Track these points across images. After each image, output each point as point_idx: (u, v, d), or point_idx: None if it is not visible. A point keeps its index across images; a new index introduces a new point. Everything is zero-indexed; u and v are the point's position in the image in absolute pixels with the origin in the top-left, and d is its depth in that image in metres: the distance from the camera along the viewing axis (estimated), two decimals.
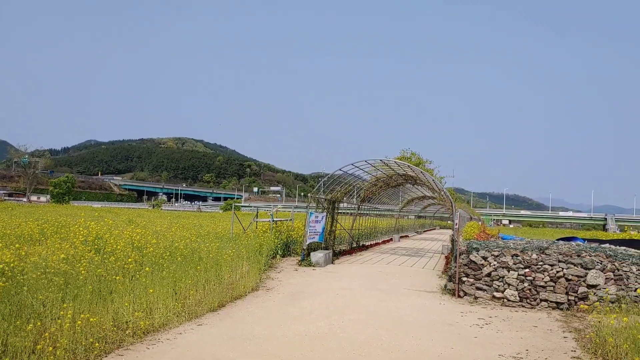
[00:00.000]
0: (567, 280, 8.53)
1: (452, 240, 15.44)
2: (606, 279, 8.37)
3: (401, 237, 28.95)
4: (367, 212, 23.35)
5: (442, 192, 16.06)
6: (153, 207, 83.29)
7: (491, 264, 9.12)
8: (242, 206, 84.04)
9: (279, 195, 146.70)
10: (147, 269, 7.21)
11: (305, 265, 13.17)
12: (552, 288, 8.58)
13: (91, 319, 5.23)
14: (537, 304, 8.63)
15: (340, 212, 17.39)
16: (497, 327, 7.15)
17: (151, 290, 6.53)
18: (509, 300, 8.81)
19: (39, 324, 4.96)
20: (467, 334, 6.74)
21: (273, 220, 15.63)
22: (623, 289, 8.19)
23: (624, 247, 11.34)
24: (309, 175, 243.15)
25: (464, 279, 9.37)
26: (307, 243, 13.92)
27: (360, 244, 20.21)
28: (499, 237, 17.11)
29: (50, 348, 4.62)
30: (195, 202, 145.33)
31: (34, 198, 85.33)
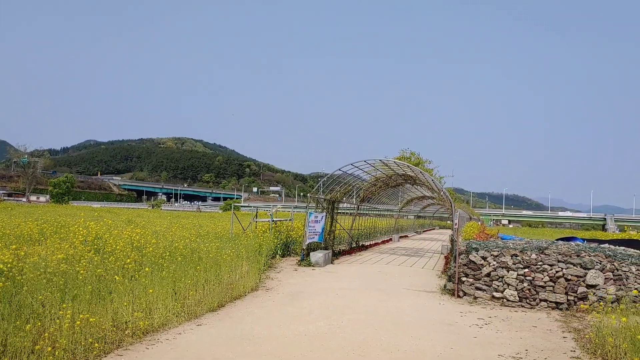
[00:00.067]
0: (567, 280, 8.53)
1: (452, 240, 15.45)
2: (605, 279, 8.37)
3: (400, 237, 28.96)
4: (367, 212, 23.35)
5: (442, 192, 16.06)
6: (152, 207, 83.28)
7: (490, 264, 9.12)
8: (241, 206, 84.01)
9: (278, 195, 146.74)
10: (146, 269, 7.20)
11: (304, 265, 13.17)
12: (551, 288, 8.59)
13: (90, 319, 5.22)
14: (537, 304, 8.63)
15: (340, 212, 17.39)
16: (496, 327, 7.15)
17: (151, 291, 6.53)
18: (508, 300, 8.82)
19: (38, 324, 4.95)
20: (466, 334, 6.74)
21: (272, 220, 15.62)
22: (622, 289, 8.20)
23: (623, 247, 11.35)
24: (308, 175, 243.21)
25: (464, 279, 9.37)
26: (307, 243, 13.92)
27: (360, 244, 20.21)
28: (498, 237, 17.10)
29: (50, 348, 4.61)
30: (195, 202, 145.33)
31: (33, 198, 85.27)
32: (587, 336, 6.47)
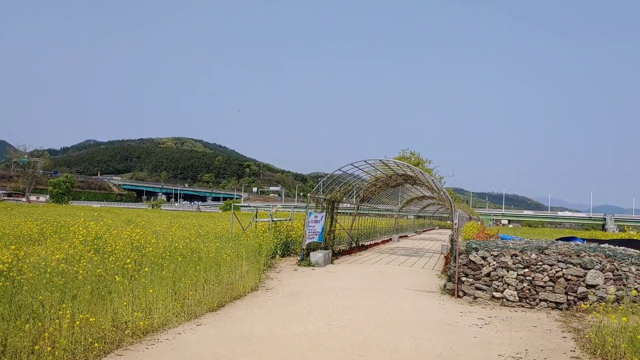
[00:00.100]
0: (567, 280, 8.53)
1: (452, 240, 15.45)
2: (605, 278, 8.37)
3: (400, 237, 28.97)
4: (367, 212, 23.35)
5: (442, 192, 16.06)
6: (152, 207, 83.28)
7: (490, 264, 9.12)
8: (241, 206, 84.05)
9: (278, 195, 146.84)
10: (146, 269, 7.19)
11: (304, 265, 13.17)
12: (551, 288, 8.59)
13: (90, 319, 5.22)
14: (537, 304, 8.63)
15: (340, 212, 17.40)
16: (496, 327, 7.15)
17: (150, 290, 6.53)
18: (508, 300, 8.82)
19: (38, 324, 4.95)
20: (466, 334, 6.74)
21: (272, 220, 15.62)
22: (622, 289, 8.20)
23: (623, 247, 11.34)
24: (308, 175, 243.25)
25: (463, 279, 9.37)
26: (307, 243, 13.92)
27: (360, 244, 20.21)
28: (498, 237, 17.08)
29: (49, 348, 4.61)
30: (195, 202, 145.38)
31: (33, 198, 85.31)
32: (586, 336, 6.47)
